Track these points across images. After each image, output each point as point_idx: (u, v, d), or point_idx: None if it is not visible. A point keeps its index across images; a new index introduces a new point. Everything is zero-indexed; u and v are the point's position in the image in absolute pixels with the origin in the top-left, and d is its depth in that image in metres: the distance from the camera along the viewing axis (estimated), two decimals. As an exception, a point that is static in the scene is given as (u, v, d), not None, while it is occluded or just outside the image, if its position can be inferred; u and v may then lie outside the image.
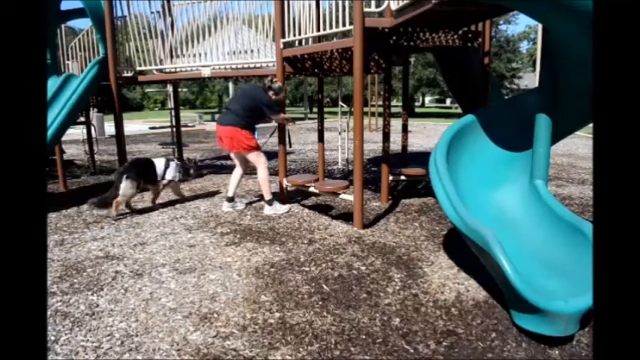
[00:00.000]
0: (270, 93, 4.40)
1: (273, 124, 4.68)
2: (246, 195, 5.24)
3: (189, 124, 18.13)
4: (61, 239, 3.69)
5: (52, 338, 2.17)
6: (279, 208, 4.43)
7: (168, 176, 4.69)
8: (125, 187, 4.27)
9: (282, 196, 4.76)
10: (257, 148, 4.35)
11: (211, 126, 18.04)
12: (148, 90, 26.85)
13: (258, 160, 4.35)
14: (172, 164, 4.76)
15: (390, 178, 4.74)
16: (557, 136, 2.85)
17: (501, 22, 23.87)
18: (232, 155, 4.47)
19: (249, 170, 5.36)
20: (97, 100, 6.01)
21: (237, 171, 4.53)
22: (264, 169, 4.35)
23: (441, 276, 2.88)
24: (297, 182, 4.54)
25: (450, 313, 2.40)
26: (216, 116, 22.51)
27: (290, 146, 5.55)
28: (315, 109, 24.92)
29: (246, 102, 4.29)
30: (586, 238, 2.29)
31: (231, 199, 4.56)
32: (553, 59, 2.69)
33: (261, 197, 5.09)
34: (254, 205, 4.76)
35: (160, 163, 4.67)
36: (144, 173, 4.51)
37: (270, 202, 4.41)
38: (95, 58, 5.53)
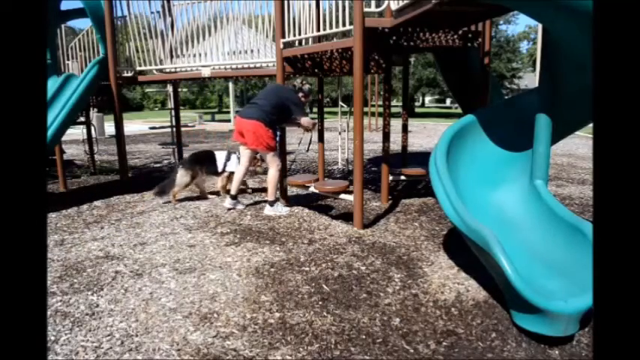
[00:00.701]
0: (300, 95, 4.37)
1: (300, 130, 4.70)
2: (246, 195, 5.23)
3: (190, 125, 18.14)
4: (61, 239, 3.69)
5: (52, 338, 2.17)
6: (280, 210, 4.39)
7: (229, 168, 4.88)
8: (179, 176, 4.73)
9: (283, 197, 4.76)
10: (275, 149, 4.32)
11: (212, 126, 18.08)
12: (148, 90, 26.86)
13: (273, 161, 4.30)
14: (233, 157, 4.93)
15: (390, 178, 4.74)
16: (557, 136, 2.85)
17: (501, 22, 23.89)
18: (243, 151, 4.41)
19: (250, 170, 5.31)
20: (97, 100, 6.01)
21: (241, 169, 4.48)
22: (276, 170, 4.31)
23: (441, 276, 2.88)
24: (297, 182, 4.54)
25: (450, 313, 2.40)
26: (216, 116, 22.55)
27: (307, 150, 5.63)
28: (315, 109, 24.92)
29: (274, 99, 4.22)
30: (586, 238, 2.29)
31: (234, 197, 4.52)
32: (553, 59, 2.69)
33: (260, 196, 5.10)
34: (254, 205, 4.76)
35: (221, 156, 4.93)
36: (202, 164, 4.84)
37: (272, 203, 4.38)
38: (95, 58, 5.53)
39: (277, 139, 4.42)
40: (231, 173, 4.84)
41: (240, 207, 4.59)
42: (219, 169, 4.91)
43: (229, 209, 4.51)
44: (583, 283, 2.07)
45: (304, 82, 4.42)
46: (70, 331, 2.24)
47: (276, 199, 4.44)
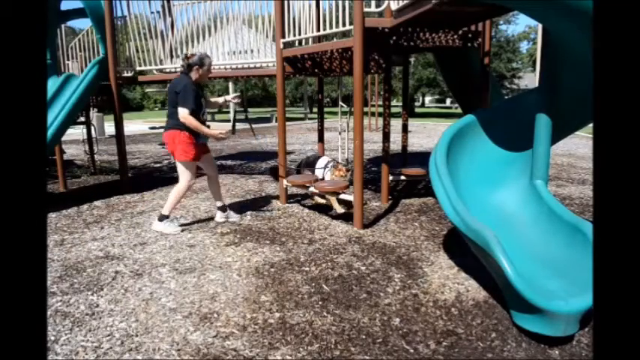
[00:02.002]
0: (194, 71, 3.69)
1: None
2: (246, 194, 5.23)
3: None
4: (61, 239, 3.69)
5: (52, 338, 2.17)
6: (170, 228, 3.80)
7: (326, 176, 4.73)
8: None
9: (282, 197, 4.76)
10: (192, 158, 3.71)
11: (212, 126, 18.04)
12: (148, 90, 26.84)
13: (183, 173, 3.74)
14: (329, 167, 4.77)
15: (390, 178, 4.74)
16: (557, 136, 2.85)
17: (501, 22, 23.88)
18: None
19: (249, 170, 5.25)
20: (97, 100, 6.01)
21: (210, 178, 4.06)
22: (185, 186, 3.76)
23: (441, 276, 2.88)
24: (297, 182, 4.54)
25: (450, 313, 2.40)
26: (216, 116, 22.54)
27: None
28: (315, 109, 24.93)
29: (172, 97, 3.65)
30: (586, 238, 2.29)
31: (223, 209, 4.13)
32: (553, 59, 2.69)
33: (260, 196, 5.10)
34: (254, 205, 4.76)
35: (322, 162, 4.87)
36: (310, 167, 4.90)
37: (162, 218, 3.83)
38: (95, 58, 5.53)
39: (200, 140, 3.77)
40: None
41: (233, 218, 4.16)
42: (319, 175, 4.70)
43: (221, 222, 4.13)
44: (583, 283, 2.07)
45: (189, 53, 3.76)
46: (70, 331, 2.24)
47: (168, 216, 3.85)
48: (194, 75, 3.73)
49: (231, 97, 4.26)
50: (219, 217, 4.15)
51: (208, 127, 3.80)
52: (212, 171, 4.06)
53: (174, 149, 3.70)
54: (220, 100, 4.41)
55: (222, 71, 5.49)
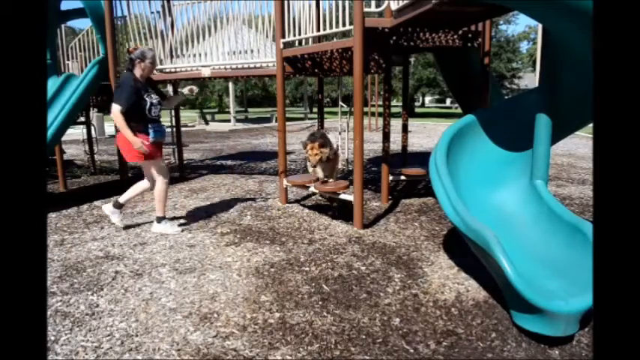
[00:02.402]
0: (137, 66, 3.52)
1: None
2: (246, 194, 5.23)
3: (189, 124, 18.15)
4: (61, 239, 3.69)
5: (52, 338, 2.17)
6: (169, 229, 3.81)
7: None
8: None
9: (282, 197, 4.76)
10: (151, 156, 3.57)
11: (212, 126, 18.07)
12: (147, 90, 26.80)
13: (157, 172, 3.66)
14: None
15: (390, 178, 4.74)
16: (557, 136, 2.85)
17: (501, 22, 23.89)
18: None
19: (249, 170, 5.23)
20: (97, 100, 6.01)
21: (147, 181, 3.79)
22: (162, 183, 3.70)
23: (441, 276, 2.88)
24: (297, 182, 4.54)
25: (450, 313, 2.40)
26: (216, 116, 22.54)
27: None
28: (315, 109, 24.93)
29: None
30: (586, 238, 2.29)
31: (118, 205, 3.89)
32: (553, 59, 2.69)
33: (260, 196, 5.10)
34: (254, 204, 4.76)
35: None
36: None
37: (159, 220, 3.83)
38: (95, 58, 5.53)
39: (152, 139, 3.54)
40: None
41: (115, 219, 3.92)
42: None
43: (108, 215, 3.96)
44: (583, 283, 2.07)
45: (134, 47, 3.61)
46: (70, 331, 2.24)
47: (164, 216, 3.86)
48: (137, 71, 3.54)
49: (187, 89, 4.12)
50: (107, 208, 3.91)
51: (160, 124, 3.69)
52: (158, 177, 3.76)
53: (125, 155, 3.60)
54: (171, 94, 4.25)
55: (222, 71, 5.49)
